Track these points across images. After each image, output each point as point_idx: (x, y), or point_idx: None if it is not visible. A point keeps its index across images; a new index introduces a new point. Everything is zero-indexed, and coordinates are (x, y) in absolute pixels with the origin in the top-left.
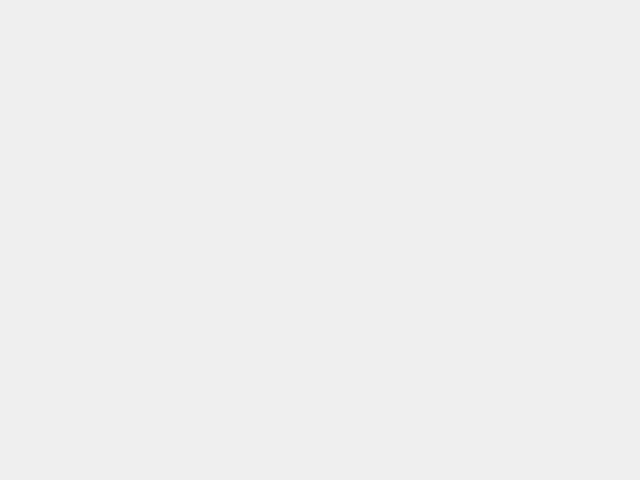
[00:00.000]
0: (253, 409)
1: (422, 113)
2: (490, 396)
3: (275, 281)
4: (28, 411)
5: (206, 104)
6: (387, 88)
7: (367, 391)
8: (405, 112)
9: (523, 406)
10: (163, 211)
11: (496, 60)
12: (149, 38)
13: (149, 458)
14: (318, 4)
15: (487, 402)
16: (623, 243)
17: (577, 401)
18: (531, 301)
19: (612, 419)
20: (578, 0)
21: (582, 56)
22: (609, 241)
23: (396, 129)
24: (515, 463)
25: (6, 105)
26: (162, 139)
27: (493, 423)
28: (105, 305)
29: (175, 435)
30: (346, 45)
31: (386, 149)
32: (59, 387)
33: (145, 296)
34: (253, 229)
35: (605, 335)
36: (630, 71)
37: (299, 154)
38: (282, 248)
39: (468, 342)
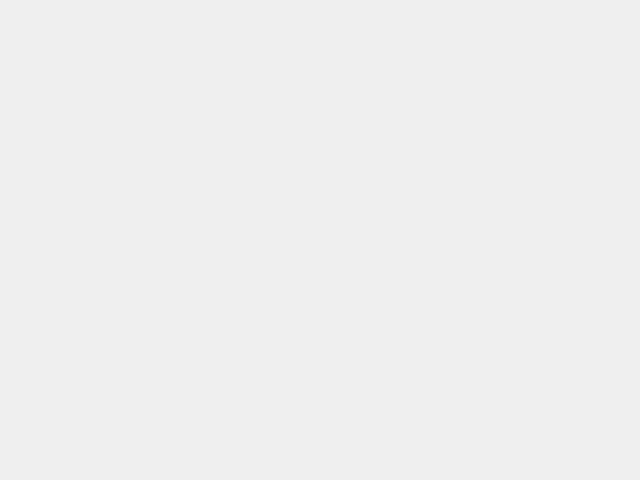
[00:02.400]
0: (253, 409)
1: (422, 113)
2: (490, 395)
3: (275, 281)
4: (28, 412)
5: (206, 104)
6: (387, 88)
7: (367, 391)
8: (405, 112)
9: (523, 405)
10: (163, 211)
11: (496, 60)
12: (149, 38)
13: (149, 458)
14: (318, 4)
15: (487, 401)
16: (623, 243)
17: (577, 401)
18: (531, 300)
19: (612, 419)
20: (578, 0)
21: (582, 56)
22: (609, 240)
23: (396, 129)
24: (515, 463)
25: (6, 105)
26: (162, 139)
27: (493, 422)
28: (105, 305)
29: (175, 435)
30: (346, 45)
31: (386, 149)
32: (59, 388)
33: (145, 296)
34: (253, 229)
35: (605, 334)
36: (630, 71)
37: (299, 154)
38: (282, 248)
39: (468, 342)
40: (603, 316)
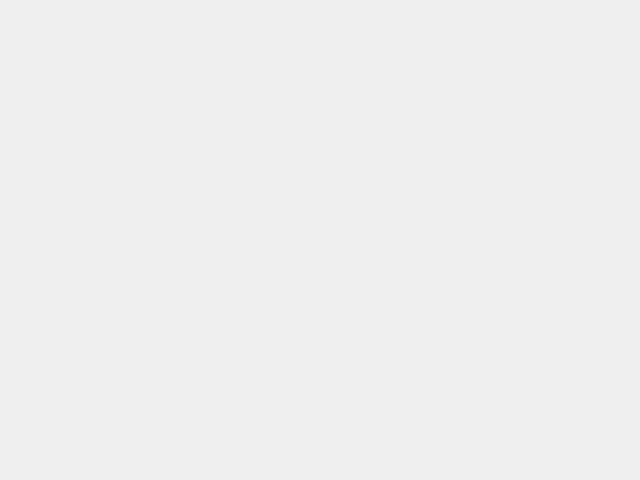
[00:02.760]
0: (253, 409)
1: (422, 113)
2: (489, 397)
3: (275, 281)
4: (28, 412)
5: (206, 104)
6: (387, 88)
7: (366, 391)
8: (405, 112)
9: (523, 407)
10: (163, 211)
11: (496, 60)
12: (149, 38)
13: (149, 458)
14: (318, 4)
15: (486, 403)
16: (623, 244)
17: (577, 402)
18: (532, 302)
19: (612, 419)
20: (579, 0)
21: (582, 56)
22: (609, 241)
23: (396, 129)
24: (515, 463)
25: (6, 105)
26: (162, 139)
27: (493, 424)
28: (105, 305)
29: (175, 435)
30: (346, 45)
31: (386, 149)
32: (59, 388)
33: (145, 296)
34: (253, 229)
35: (605, 335)
36: (630, 71)
37: (299, 154)
38: (282, 248)
39: (468, 343)
40: (603, 317)
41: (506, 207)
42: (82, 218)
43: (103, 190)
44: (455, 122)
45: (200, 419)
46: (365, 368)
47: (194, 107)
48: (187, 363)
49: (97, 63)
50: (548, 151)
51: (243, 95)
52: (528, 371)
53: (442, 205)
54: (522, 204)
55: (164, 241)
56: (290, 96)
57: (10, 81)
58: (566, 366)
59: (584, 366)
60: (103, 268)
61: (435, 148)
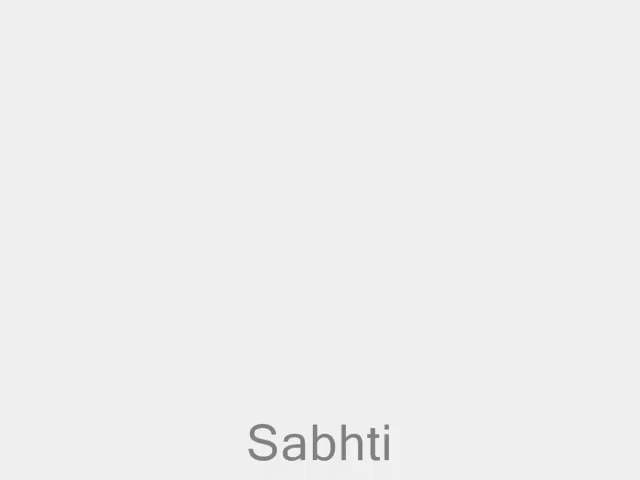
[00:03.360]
0: (252, 409)
1: (423, 113)
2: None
3: (275, 283)
4: (28, 411)
5: (206, 104)
6: (387, 89)
7: (365, 392)
8: (406, 111)
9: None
10: (163, 211)
11: (498, 62)
12: (149, 38)
13: (149, 458)
14: (318, 4)
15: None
16: (624, 245)
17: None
18: (532, 304)
19: (612, 420)
20: (580, 1)
21: (584, 58)
22: (610, 242)
23: (397, 129)
24: (515, 463)
25: (6, 105)
26: (162, 139)
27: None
28: (105, 306)
29: (175, 434)
30: (346, 45)
31: (387, 149)
32: (59, 388)
33: (145, 297)
34: (253, 229)
35: (605, 337)
36: (630, 72)
37: (299, 154)
38: (282, 249)
39: (468, 343)
40: (604, 318)
41: (507, 207)
42: (82, 218)
43: (103, 190)
44: (456, 124)
45: (199, 420)
46: (364, 370)
47: (194, 107)
48: (187, 364)
49: (97, 63)
50: (549, 153)
51: (243, 95)
52: (528, 373)
53: (442, 207)
54: (522, 204)
55: (164, 241)
56: (290, 96)
57: (10, 81)
58: (566, 369)
59: (584, 368)
60: (103, 269)
61: (436, 151)
